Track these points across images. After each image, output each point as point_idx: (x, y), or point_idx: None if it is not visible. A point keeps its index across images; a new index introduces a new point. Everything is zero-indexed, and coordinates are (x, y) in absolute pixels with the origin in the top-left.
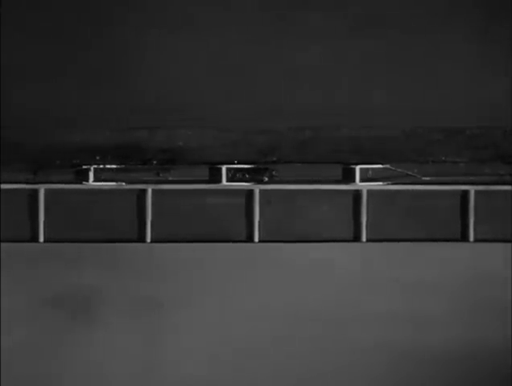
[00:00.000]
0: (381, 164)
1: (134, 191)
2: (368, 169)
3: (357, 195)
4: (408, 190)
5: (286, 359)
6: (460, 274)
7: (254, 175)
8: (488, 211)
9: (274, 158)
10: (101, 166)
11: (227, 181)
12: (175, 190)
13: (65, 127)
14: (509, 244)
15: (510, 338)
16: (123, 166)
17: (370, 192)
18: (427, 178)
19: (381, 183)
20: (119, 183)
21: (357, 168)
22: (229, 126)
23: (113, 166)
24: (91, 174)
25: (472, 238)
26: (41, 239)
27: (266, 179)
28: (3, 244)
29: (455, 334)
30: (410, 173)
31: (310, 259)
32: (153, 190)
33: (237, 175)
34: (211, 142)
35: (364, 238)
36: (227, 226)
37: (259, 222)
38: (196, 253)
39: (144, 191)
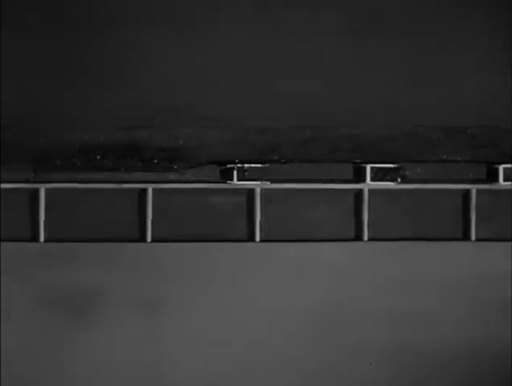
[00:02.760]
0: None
1: (135, 191)
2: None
3: (358, 194)
4: (409, 190)
5: (287, 358)
6: (461, 273)
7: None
8: (489, 210)
9: (275, 157)
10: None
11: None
12: (175, 189)
13: (65, 127)
14: (510, 243)
15: (511, 337)
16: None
17: (372, 191)
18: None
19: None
20: (263, 182)
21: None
22: (230, 125)
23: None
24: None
25: (473, 237)
26: (41, 238)
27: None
28: (3, 244)
29: (456, 332)
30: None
31: (311, 258)
32: (153, 190)
33: (239, 175)
34: (211, 141)
35: (366, 237)
36: (228, 225)
37: (260, 221)
38: (197, 253)
39: (145, 191)
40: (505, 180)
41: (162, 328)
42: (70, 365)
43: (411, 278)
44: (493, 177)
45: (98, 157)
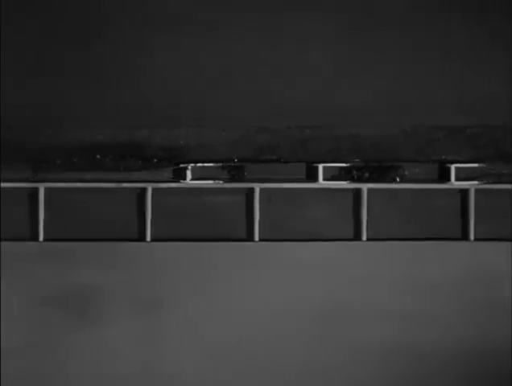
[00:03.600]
0: (477, 163)
1: (134, 190)
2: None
3: (357, 193)
4: (408, 189)
5: (287, 358)
6: (460, 273)
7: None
8: (488, 210)
9: (274, 157)
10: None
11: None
12: (174, 189)
13: (65, 126)
14: (509, 243)
15: (510, 336)
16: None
17: (371, 191)
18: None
19: (476, 182)
20: (217, 181)
21: (453, 167)
22: (230, 125)
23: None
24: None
25: (472, 237)
26: (41, 238)
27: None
28: (3, 244)
29: (455, 332)
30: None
31: (311, 257)
32: (153, 189)
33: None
34: (211, 141)
35: (364, 237)
36: (227, 225)
37: (259, 221)
38: (196, 252)
39: (144, 190)
40: (505, 182)
41: (161, 327)
42: (70, 365)
43: (410, 278)
44: (446, 176)
45: (98, 156)
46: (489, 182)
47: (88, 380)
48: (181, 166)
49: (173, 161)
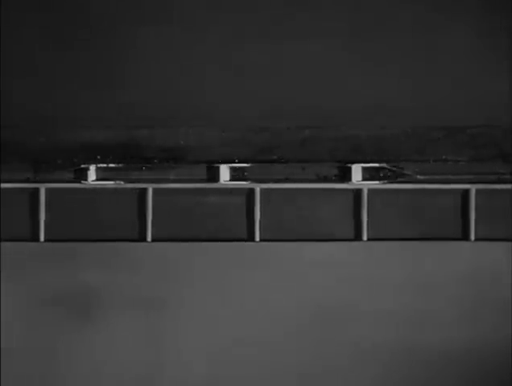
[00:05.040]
0: (378, 163)
1: (135, 190)
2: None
3: (357, 194)
4: (409, 189)
5: (287, 358)
6: (460, 273)
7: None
8: (488, 210)
9: (274, 157)
10: (103, 165)
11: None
12: (175, 189)
13: (66, 126)
14: (509, 243)
15: (510, 338)
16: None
17: (371, 191)
18: (428, 177)
19: (377, 182)
20: (118, 182)
21: (354, 167)
22: (230, 125)
23: (114, 165)
24: (91, 173)
25: (472, 237)
26: (41, 238)
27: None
28: (4, 244)
29: (455, 332)
30: (407, 172)
31: (311, 257)
32: (154, 189)
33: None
34: (211, 141)
35: (365, 237)
36: (228, 225)
37: (260, 221)
38: (196, 252)
39: (145, 190)
40: (505, 182)
41: (162, 327)
42: (70, 365)
43: (410, 278)
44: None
45: (99, 157)
46: (387, 183)
47: (88, 380)
48: (82, 166)
49: (172, 161)
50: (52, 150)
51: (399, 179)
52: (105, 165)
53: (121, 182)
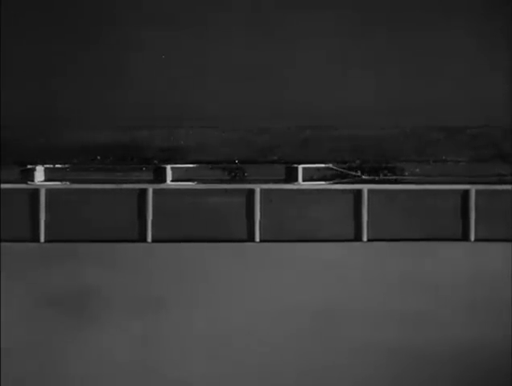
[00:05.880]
0: (324, 163)
1: (135, 191)
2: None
3: (357, 194)
4: (409, 190)
5: (287, 358)
6: (460, 274)
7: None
8: (489, 211)
9: (275, 157)
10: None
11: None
12: (175, 189)
13: (65, 127)
14: (509, 243)
15: (511, 338)
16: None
17: (371, 191)
18: (428, 178)
19: (323, 183)
20: (64, 183)
21: (300, 167)
22: (230, 125)
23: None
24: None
25: (472, 238)
26: (42, 239)
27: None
28: (3, 245)
29: (454, 333)
30: (352, 173)
31: (311, 258)
32: (154, 190)
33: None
34: (211, 142)
35: (365, 237)
36: (228, 225)
37: (260, 221)
38: (196, 253)
39: (145, 191)
40: (505, 183)
41: (162, 328)
42: (70, 365)
43: (410, 278)
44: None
45: (98, 157)
46: (337, 183)
47: (88, 381)
48: (28, 167)
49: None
50: (51, 151)
51: (396, 178)
52: (51, 165)
53: (67, 183)
